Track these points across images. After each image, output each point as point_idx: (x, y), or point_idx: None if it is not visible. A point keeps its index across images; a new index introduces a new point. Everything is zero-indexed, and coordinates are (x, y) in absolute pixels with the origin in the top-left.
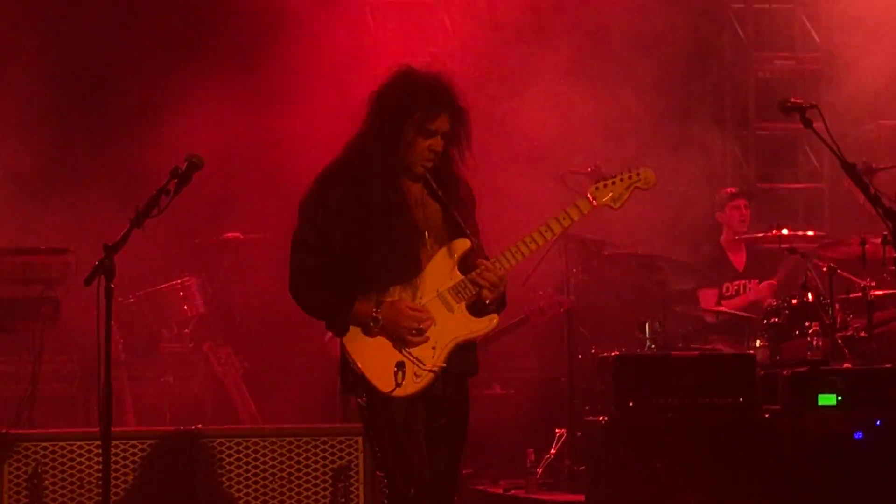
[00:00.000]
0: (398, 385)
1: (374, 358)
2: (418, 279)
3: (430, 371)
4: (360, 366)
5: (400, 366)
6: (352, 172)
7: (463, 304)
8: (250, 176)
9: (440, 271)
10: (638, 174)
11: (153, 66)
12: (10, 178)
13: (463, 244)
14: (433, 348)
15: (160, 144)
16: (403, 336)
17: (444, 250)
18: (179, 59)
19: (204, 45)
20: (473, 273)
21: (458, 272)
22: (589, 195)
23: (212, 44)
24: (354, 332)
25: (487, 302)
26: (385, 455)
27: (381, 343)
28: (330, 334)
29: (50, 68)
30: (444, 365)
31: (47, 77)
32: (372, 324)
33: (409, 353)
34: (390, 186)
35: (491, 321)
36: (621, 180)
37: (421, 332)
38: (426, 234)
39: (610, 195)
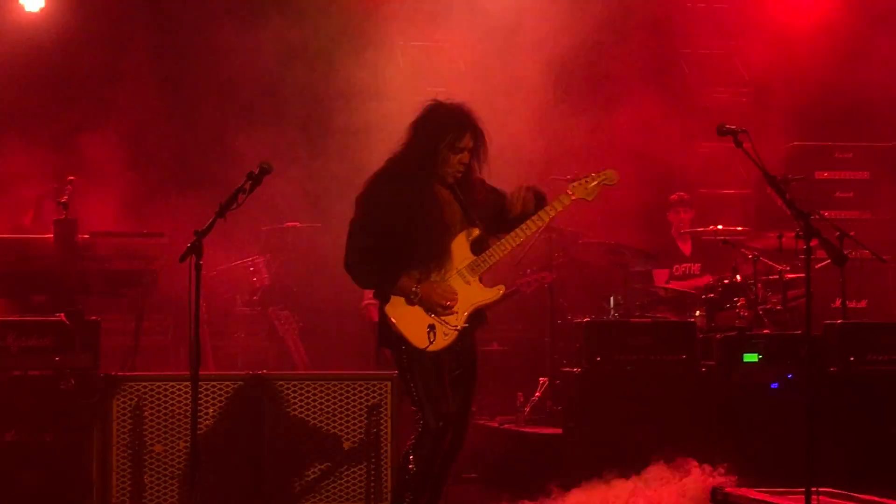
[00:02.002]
0: (431, 342)
1: (410, 321)
2: (444, 260)
3: (455, 329)
4: (400, 328)
5: (431, 327)
6: (396, 178)
7: (477, 278)
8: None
9: (459, 254)
10: (604, 173)
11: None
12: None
13: (473, 232)
14: (457, 312)
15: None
16: (435, 308)
17: (460, 237)
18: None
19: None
20: (492, 249)
21: (471, 254)
22: (568, 191)
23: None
24: (395, 301)
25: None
26: (420, 395)
27: (417, 310)
28: (366, 301)
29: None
30: (466, 325)
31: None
32: (412, 296)
33: (438, 318)
34: (425, 191)
35: (499, 291)
36: (592, 178)
37: (449, 307)
38: (451, 227)
39: (584, 190)
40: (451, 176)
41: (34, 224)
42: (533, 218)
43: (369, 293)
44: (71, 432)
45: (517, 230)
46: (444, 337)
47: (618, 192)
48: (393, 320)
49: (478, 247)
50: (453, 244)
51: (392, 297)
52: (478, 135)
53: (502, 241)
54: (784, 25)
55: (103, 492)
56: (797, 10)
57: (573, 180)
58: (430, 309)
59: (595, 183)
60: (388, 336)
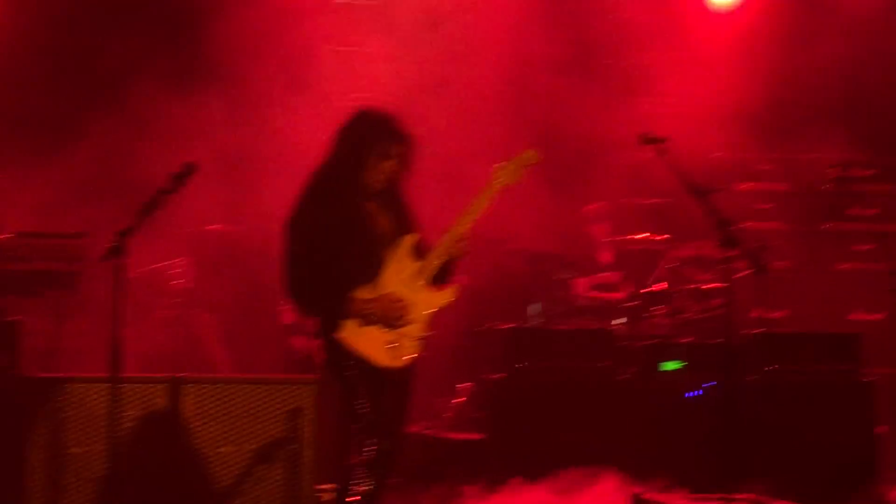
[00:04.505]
0: (396, 358)
1: (371, 342)
2: (382, 275)
3: (417, 339)
4: (362, 351)
5: (393, 343)
6: (323, 194)
7: (424, 284)
8: (229, 181)
9: (397, 265)
10: (525, 155)
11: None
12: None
13: (409, 239)
14: (413, 322)
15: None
16: (393, 322)
17: (399, 247)
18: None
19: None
20: (433, 252)
21: (413, 261)
22: (493, 178)
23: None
24: (349, 325)
25: (464, 254)
26: (370, 415)
27: (374, 329)
28: (283, 306)
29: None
30: (426, 333)
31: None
32: (367, 317)
33: (398, 331)
34: (354, 205)
35: (450, 293)
36: (514, 162)
37: (404, 316)
38: (385, 238)
39: (508, 175)
40: (375, 184)
41: None
42: (467, 212)
43: None
44: None
45: (453, 229)
46: (408, 349)
47: (538, 200)
48: (351, 345)
49: (418, 252)
50: (392, 255)
51: (344, 322)
52: (407, 143)
53: (441, 242)
54: (704, 38)
55: (20, 493)
56: (719, 22)
57: (496, 166)
58: (388, 324)
59: (518, 165)
60: (335, 359)
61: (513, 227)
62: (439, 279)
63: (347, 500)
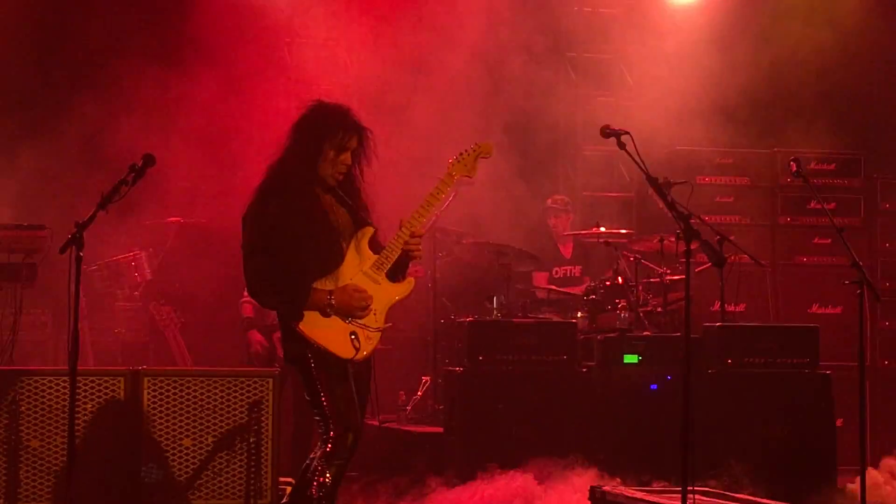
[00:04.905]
0: (357, 350)
1: (330, 333)
2: (341, 267)
3: (377, 331)
4: (322, 343)
5: (353, 335)
6: (281, 187)
7: (384, 276)
8: (187, 172)
9: (356, 257)
10: (479, 146)
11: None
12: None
13: (367, 231)
14: (374, 313)
15: (116, 143)
16: (354, 313)
17: (354, 240)
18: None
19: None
20: (391, 243)
21: (372, 252)
22: (450, 170)
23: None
24: (309, 316)
25: (417, 255)
26: (331, 407)
27: (334, 320)
28: (243, 298)
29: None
30: (386, 324)
31: (29, 63)
32: (328, 308)
33: (358, 323)
34: (311, 195)
35: (410, 284)
36: (469, 154)
37: (366, 307)
38: (343, 231)
39: (464, 167)
40: (333, 178)
41: None
42: (423, 205)
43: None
44: None
45: (410, 220)
46: (368, 341)
47: (500, 193)
48: (312, 337)
49: (374, 245)
50: (350, 248)
51: (304, 313)
52: (363, 135)
53: (398, 234)
54: (667, 30)
55: None
56: (681, 14)
57: (451, 160)
58: (347, 315)
59: (473, 157)
60: (295, 351)
61: (474, 219)
62: (395, 272)
63: (307, 492)
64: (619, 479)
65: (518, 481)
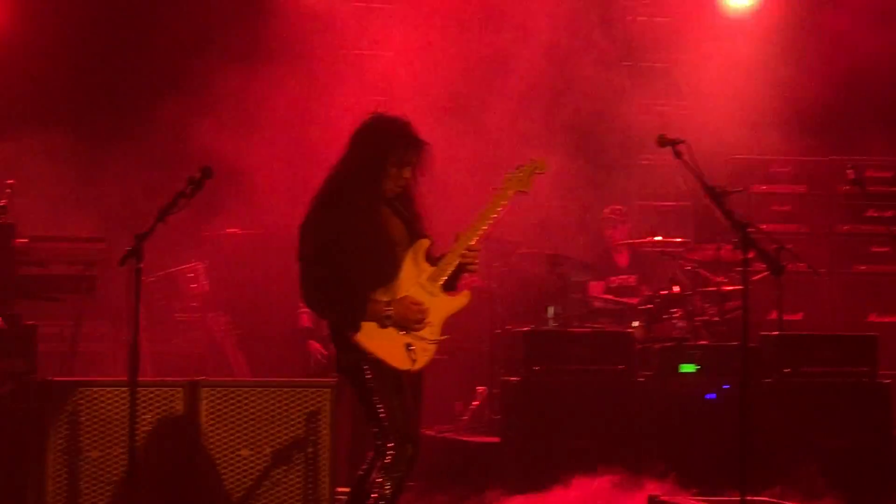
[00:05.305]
0: (414, 361)
1: (387, 345)
2: (398, 279)
3: (434, 343)
4: (379, 355)
5: (408, 346)
6: (341, 199)
7: (440, 288)
8: (247, 185)
9: (413, 269)
10: (535, 162)
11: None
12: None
13: (423, 243)
14: (430, 325)
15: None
16: (411, 326)
17: (410, 252)
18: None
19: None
20: (442, 264)
21: (426, 265)
22: (504, 186)
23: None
24: (366, 327)
25: (473, 269)
26: (389, 419)
27: (390, 332)
28: (300, 309)
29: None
30: (443, 336)
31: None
32: (385, 320)
33: (414, 335)
34: (371, 209)
35: (466, 297)
36: (524, 169)
37: (423, 320)
38: (400, 243)
39: (519, 182)
40: (391, 191)
41: None
42: (478, 219)
43: None
44: (6, 438)
45: (466, 234)
46: (424, 352)
47: (556, 202)
48: (369, 348)
49: (429, 257)
50: (407, 260)
51: (361, 324)
52: (422, 149)
53: (454, 247)
54: (722, 38)
55: (38, 498)
56: (735, 23)
57: (507, 174)
58: (404, 327)
59: (528, 173)
60: (348, 361)
61: (529, 229)
62: (450, 284)
63: (368, 503)
64: (676, 489)
65: (574, 491)
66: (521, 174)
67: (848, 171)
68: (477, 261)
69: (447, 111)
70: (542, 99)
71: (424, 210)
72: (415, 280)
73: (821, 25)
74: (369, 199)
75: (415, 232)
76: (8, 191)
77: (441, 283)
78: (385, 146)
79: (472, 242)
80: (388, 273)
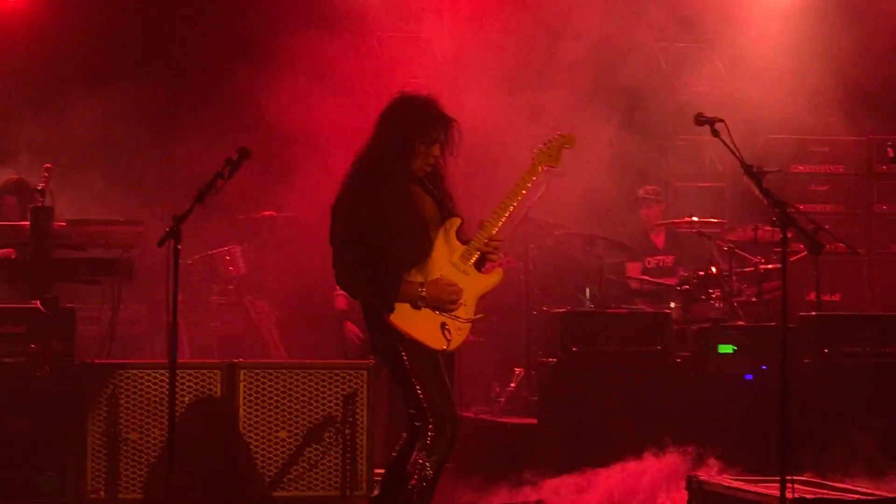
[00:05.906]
0: (449, 340)
1: (422, 325)
2: (431, 259)
3: (468, 322)
4: (413, 335)
5: (444, 326)
6: (372, 180)
7: (472, 266)
8: (283, 167)
9: (445, 248)
10: (564, 136)
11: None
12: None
13: (454, 222)
14: (464, 305)
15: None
16: (445, 306)
17: (442, 231)
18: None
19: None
20: (473, 243)
21: (458, 243)
22: (534, 161)
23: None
24: (400, 308)
25: (494, 258)
26: (427, 399)
27: (425, 312)
28: (336, 291)
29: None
30: (477, 315)
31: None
32: (420, 301)
33: (448, 315)
34: (402, 188)
35: (499, 274)
36: (554, 144)
37: (457, 301)
38: (431, 222)
39: (549, 157)
40: (421, 170)
41: None
42: (508, 195)
43: None
44: (46, 420)
45: (496, 211)
46: (459, 332)
47: (593, 183)
48: (404, 329)
49: (462, 235)
50: (438, 239)
51: (395, 305)
52: (451, 127)
53: (485, 225)
54: (757, 18)
55: (78, 479)
56: (770, 3)
57: (536, 150)
58: (438, 307)
59: (558, 147)
60: (383, 343)
61: (567, 210)
62: (480, 262)
63: (407, 485)
64: (715, 469)
65: (612, 472)
66: (549, 149)
67: (888, 149)
68: (498, 252)
69: (503, 89)
70: (572, 83)
71: (473, 190)
72: (447, 259)
73: (862, 5)
74: (399, 179)
75: (446, 211)
76: (46, 175)
77: (473, 260)
78: (412, 124)
79: (495, 231)
80: (420, 253)
